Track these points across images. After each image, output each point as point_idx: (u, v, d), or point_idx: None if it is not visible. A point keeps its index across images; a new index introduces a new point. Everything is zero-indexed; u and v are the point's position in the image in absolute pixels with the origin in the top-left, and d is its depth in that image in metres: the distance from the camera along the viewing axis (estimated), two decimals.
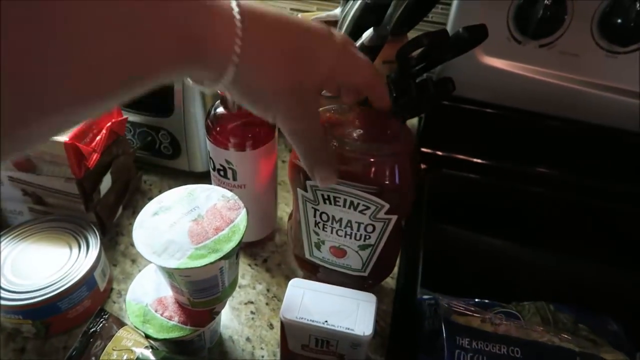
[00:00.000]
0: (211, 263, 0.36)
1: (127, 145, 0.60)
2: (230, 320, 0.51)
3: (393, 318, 0.52)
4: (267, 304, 0.53)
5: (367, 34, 0.41)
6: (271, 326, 0.51)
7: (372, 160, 0.38)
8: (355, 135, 0.40)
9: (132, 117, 0.61)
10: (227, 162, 0.48)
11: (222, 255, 0.37)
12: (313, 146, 0.33)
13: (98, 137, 0.53)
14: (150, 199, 0.64)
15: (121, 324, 0.42)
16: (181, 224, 0.39)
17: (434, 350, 0.45)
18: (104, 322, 0.41)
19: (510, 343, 0.39)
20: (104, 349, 0.39)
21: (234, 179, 0.50)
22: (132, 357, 0.38)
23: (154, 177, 0.68)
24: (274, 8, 0.28)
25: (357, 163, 0.39)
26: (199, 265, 0.36)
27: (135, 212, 0.63)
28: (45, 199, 0.54)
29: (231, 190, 0.50)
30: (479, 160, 0.68)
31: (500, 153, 0.67)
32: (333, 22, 0.55)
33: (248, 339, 0.49)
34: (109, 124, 0.55)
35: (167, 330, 0.40)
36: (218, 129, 0.48)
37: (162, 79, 0.25)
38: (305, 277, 0.54)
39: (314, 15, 0.55)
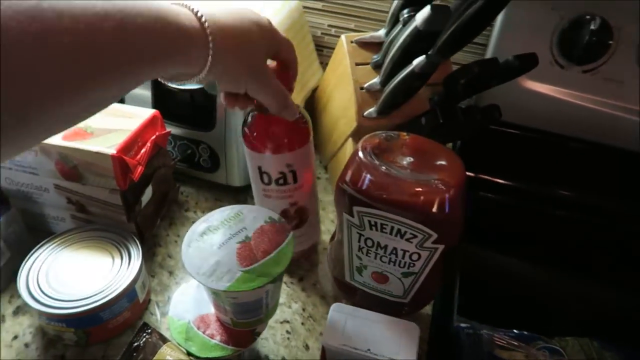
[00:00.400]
0: (259, 287, 0.36)
1: (168, 158, 0.61)
2: (265, 338, 0.51)
3: (429, 346, 0.51)
4: (302, 323, 0.53)
5: (418, 61, 0.41)
6: (307, 347, 0.50)
7: (421, 189, 0.38)
8: (404, 163, 0.40)
9: (174, 130, 0.62)
10: (288, 165, 0.48)
11: (270, 279, 0.37)
12: (278, 98, 0.41)
13: (143, 150, 0.54)
14: (187, 210, 0.66)
15: (164, 339, 0.42)
16: (229, 245, 0.39)
17: None
18: (147, 337, 0.42)
19: None
20: None
21: (294, 180, 0.50)
22: None
23: (190, 188, 0.69)
24: (218, 5, 0.35)
25: (406, 191, 0.38)
26: (247, 289, 0.36)
27: (172, 224, 0.63)
28: (88, 207, 0.55)
29: (292, 195, 0.51)
30: (518, 184, 0.67)
31: (539, 177, 0.66)
32: (377, 44, 0.54)
33: (284, 359, 0.49)
34: (153, 137, 0.55)
35: (209, 349, 0.41)
36: (270, 137, 0.47)
37: (147, 75, 0.31)
38: (342, 299, 0.54)
39: (358, 37, 0.55)
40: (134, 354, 0.40)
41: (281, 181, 0.49)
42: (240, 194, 0.68)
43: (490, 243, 0.69)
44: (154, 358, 0.40)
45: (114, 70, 0.27)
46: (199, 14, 0.32)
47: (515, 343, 0.41)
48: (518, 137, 0.66)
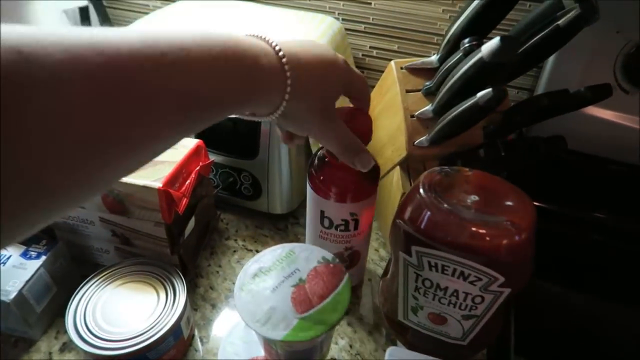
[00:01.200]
0: (317, 336, 0.34)
1: (210, 187, 0.60)
2: None
3: None
4: None
5: (484, 94, 0.39)
6: None
7: (490, 231, 0.36)
8: (468, 201, 0.38)
9: (216, 158, 0.61)
10: (352, 214, 0.47)
11: (327, 328, 0.35)
12: (346, 143, 0.38)
13: (187, 182, 0.53)
14: (227, 239, 0.64)
15: None
16: (283, 288, 0.37)
17: None
18: None
19: None
20: None
21: (355, 228, 0.48)
22: None
23: (230, 215, 0.68)
24: (298, 40, 0.33)
25: (472, 233, 0.36)
26: (304, 339, 0.34)
27: (213, 253, 0.62)
28: (132, 240, 0.55)
29: (349, 241, 0.50)
30: (575, 214, 0.64)
31: (599, 206, 0.63)
32: (429, 70, 0.52)
33: None
34: (197, 167, 0.55)
35: None
36: (337, 184, 0.46)
37: (228, 113, 0.29)
38: (392, 337, 0.52)
39: (408, 62, 0.53)
40: None
41: (342, 227, 0.48)
42: (281, 221, 0.67)
43: (544, 273, 0.65)
44: None
45: (182, 117, 0.25)
46: (279, 52, 0.30)
47: None
48: (577, 163, 0.63)
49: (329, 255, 0.39)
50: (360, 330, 0.54)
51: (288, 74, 0.30)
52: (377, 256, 0.63)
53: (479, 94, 0.39)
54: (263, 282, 0.38)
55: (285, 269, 0.39)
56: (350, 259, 0.52)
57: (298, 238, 0.65)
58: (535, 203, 0.65)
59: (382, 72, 0.57)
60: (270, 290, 0.37)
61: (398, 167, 0.55)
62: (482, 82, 0.40)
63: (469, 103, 0.40)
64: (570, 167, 0.61)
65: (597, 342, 0.60)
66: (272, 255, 0.40)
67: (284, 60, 0.30)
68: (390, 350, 0.41)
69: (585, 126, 0.58)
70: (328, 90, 0.35)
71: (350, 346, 0.52)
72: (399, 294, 0.44)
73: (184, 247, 0.56)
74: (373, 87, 0.61)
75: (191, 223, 0.56)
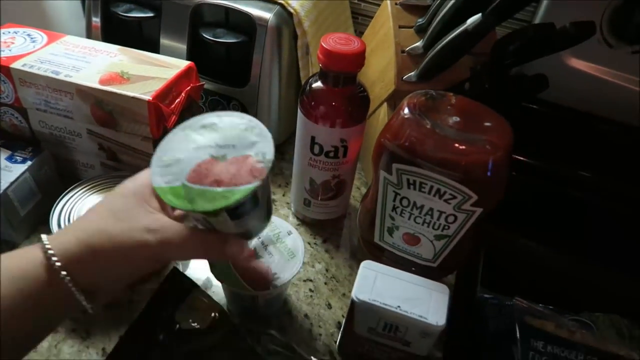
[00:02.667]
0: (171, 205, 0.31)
1: (199, 112, 0.60)
2: (288, 295, 0.51)
3: (451, 314, 0.51)
4: (325, 283, 0.53)
5: (473, 19, 0.40)
6: (329, 306, 0.50)
7: (466, 148, 0.37)
8: (450, 122, 0.39)
9: (206, 85, 0.61)
10: (342, 140, 0.48)
11: (187, 208, 0.31)
12: (201, 252, 0.35)
13: (177, 100, 0.53)
14: None
15: (193, 284, 0.42)
16: (203, 151, 0.33)
17: (500, 351, 0.44)
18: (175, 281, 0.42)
19: (588, 352, 0.38)
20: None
21: (344, 155, 0.50)
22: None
23: None
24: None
25: (451, 150, 0.38)
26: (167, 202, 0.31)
27: None
28: (118, 155, 0.55)
29: (337, 169, 0.51)
30: (551, 166, 0.66)
31: (575, 160, 0.65)
32: (422, 7, 0.53)
33: (306, 316, 0.49)
34: (187, 88, 0.55)
35: (221, 198, 0.31)
36: (329, 109, 0.47)
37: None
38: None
39: None
40: (162, 298, 0.41)
41: (332, 154, 0.49)
42: None
43: (515, 224, 0.68)
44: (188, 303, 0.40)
45: None
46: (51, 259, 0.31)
47: (547, 312, 0.41)
48: (556, 117, 0.65)
49: (270, 158, 0.33)
50: (338, 257, 0.56)
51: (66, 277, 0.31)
52: (358, 193, 0.64)
53: (468, 20, 0.40)
54: (200, 136, 0.34)
55: (226, 139, 0.34)
56: (337, 188, 0.54)
57: (283, 172, 0.66)
58: (518, 157, 0.68)
59: None
60: (194, 147, 0.33)
61: (385, 104, 0.56)
62: (471, 13, 0.41)
63: (458, 30, 0.42)
64: (550, 119, 0.64)
65: (567, 290, 0.63)
66: (233, 122, 0.35)
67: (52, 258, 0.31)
68: (364, 262, 0.43)
69: (568, 79, 0.60)
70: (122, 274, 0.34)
71: (327, 270, 0.54)
72: (376, 215, 0.46)
73: None
74: None
75: None
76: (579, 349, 0.38)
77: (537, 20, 0.60)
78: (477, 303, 0.50)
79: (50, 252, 0.31)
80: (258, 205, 0.35)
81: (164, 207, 0.35)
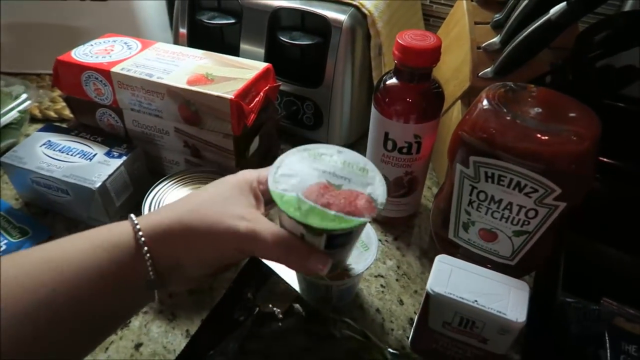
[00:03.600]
0: (282, 209, 0.32)
1: (275, 112, 0.63)
2: (360, 290, 0.51)
3: (531, 317, 0.49)
4: (397, 280, 0.53)
5: (558, 8, 0.39)
6: (401, 302, 0.50)
7: (549, 138, 0.36)
8: (532, 113, 0.38)
9: (282, 86, 0.64)
10: (416, 136, 0.48)
11: (292, 215, 0.31)
12: (284, 257, 0.34)
13: (256, 99, 0.56)
14: None
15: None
16: (319, 175, 0.34)
17: (585, 356, 0.42)
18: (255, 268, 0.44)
19: None
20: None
21: (418, 151, 0.50)
22: None
23: (290, 146, 0.71)
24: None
25: (533, 140, 0.37)
26: (282, 209, 0.32)
27: None
28: (202, 152, 0.59)
29: (410, 165, 0.51)
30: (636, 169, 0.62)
31: None
32: (499, 3, 0.53)
33: (378, 311, 0.50)
34: (265, 88, 0.58)
35: (332, 220, 0.32)
36: (404, 104, 0.48)
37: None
38: None
39: None
40: (243, 282, 0.43)
41: (405, 150, 0.50)
42: None
43: (599, 229, 0.64)
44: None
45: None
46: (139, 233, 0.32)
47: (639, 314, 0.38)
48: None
49: (383, 201, 0.34)
50: (409, 255, 0.56)
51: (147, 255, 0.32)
52: (430, 193, 0.64)
53: (552, 10, 0.39)
54: (319, 161, 0.35)
55: (343, 171, 0.35)
56: (409, 185, 0.54)
57: None
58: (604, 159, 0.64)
59: None
60: (312, 168, 0.34)
61: (459, 102, 0.56)
62: (554, 4, 0.40)
63: (541, 20, 0.41)
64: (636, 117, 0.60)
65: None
66: (353, 159, 0.36)
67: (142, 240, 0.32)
68: (439, 256, 0.43)
69: None
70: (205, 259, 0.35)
71: (398, 267, 0.54)
72: (451, 210, 0.46)
73: (248, 164, 0.60)
74: None
75: (255, 141, 0.60)
76: None
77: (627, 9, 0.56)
78: (559, 306, 0.48)
79: (138, 226, 0.32)
80: (351, 243, 0.36)
81: (259, 207, 0.36)
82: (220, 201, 0.34)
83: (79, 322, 0.30)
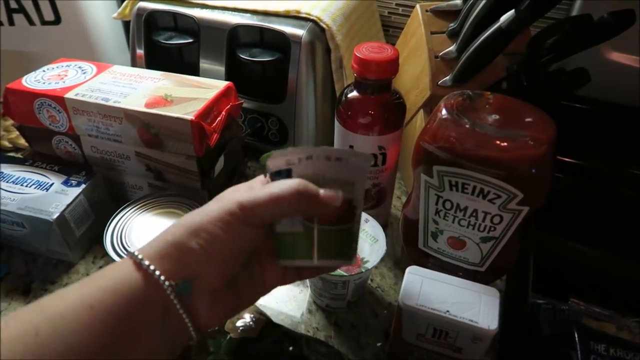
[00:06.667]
0: None
1: (239, 130, 0.63)
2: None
3: (504, 320, 0.49)
4: (371, 293, 0.52)
5: (507, 16, 0.40)
6: (376, 315, 0.50)
7: (508, 144, 0.37)
8: (490, 120, 0.39)
9: (245, 103, 0.63)
10: (380, 147, 0.48)
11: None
12: (295, 203, 0.31)
13: (218, 119, 0.55)
14: None
15: None
16: None
17: (557, 356, 0.42)
18: None
19: None
20: None
21: (383, 163, 0.50)
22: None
23: (257, 163, 0.70)
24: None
25: (492, 147, 0.37)
26: None
27: None
28: (165, 175, 0.57)
29: (377, 177, 0.51)
30: (596, 165, 0.64)
31: (621, 158, 0.63)
32: (454, 12, 0.53)
33: (353, 326, 0.49)
34: (227, 107, 0.57)
35: None
36: (366, 117, 0.47)
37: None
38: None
39: (433, 5, 0.54)
40: None
41: (371, 162, 0.50)
42: None
43: (564, 227, 0.65)
44: None
45: None
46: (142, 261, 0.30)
47: (606, 313, 0.39)
48: (599, 114, 0.63)
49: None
50: (381, 267, 0.55)
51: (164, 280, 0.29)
52: (399, 203, 0.64)
53: (502, 18, 0.40)
54: None
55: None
56: (377, 197, 0.54)
57: None
58: (564, 159, 0.66)
59: None
60: None
61: (422, 111, 0.56)
62: (505, 11, 0.41)
63: (492, 29, 0.41)
64: (594, 116, 0.62)
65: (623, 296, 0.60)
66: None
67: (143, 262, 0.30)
68: (409, 268, 0.43)
69: (611, 74, 0.58)
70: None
71: (371, 279, 0.54)
72: (419, 220, 0.46)
73: (213, 185, 0.59)
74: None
75: (220, 161, 0.59)
76: None
77: (574, 13, 0.58)
78: (530, 308, 0.49)
79: (136, 253, 0.30)
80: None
81: None
82: (203, 207, 0.32)
83: None
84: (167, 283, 0.29)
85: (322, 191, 0.30)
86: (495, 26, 0.41)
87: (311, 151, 0.30)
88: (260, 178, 0.34)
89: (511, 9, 0.41)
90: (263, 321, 0.40)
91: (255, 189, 0.31)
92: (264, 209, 0.30)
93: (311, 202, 0.30)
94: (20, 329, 0.26)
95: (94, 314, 0.27)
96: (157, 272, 0.29)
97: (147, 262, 0.29)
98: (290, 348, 0.39)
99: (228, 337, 0.40)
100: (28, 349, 0.26)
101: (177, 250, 0.30)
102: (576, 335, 0.38)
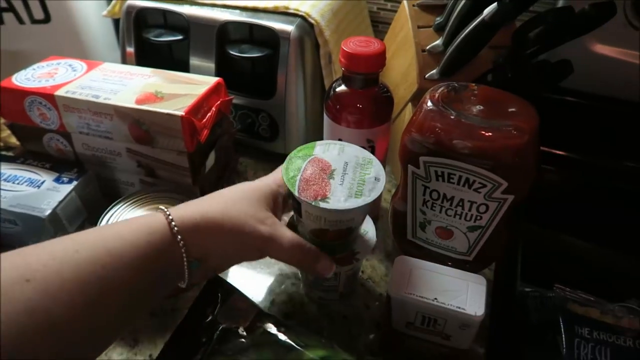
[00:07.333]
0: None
1: (230, 126, 0.63)
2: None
3: (492, 308, 0.50)
4: (362, 285, 0.53)
5: (490, 8, 0.40)
6: (367, 306, 0.51)
7: (492, 134, 0.38)
8: (474, 110, 0.40)
9: (236, 99, 0.64)
10: (368, 140, 0.49)
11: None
12: (297, 260, 0.40)
13: (208, 115, 0.56)
14: (246, 179, 0.67)
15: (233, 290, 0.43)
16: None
17: (544, 343, 0.43)
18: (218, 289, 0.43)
19: (638, 337, 0.36)
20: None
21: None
22: None
23: (248, 159, 0.71)
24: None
25: (476, 137, 0.38)
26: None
27: None
28: (156, 171, 0.58)
29: None
30: (583, 157, 0.65)
31: (606, 149, 0.64)
32: (440, 7, 0.54)
33: (345, 317, 0.50)
34: (217, 102, 0.57)
35: None
36: (354, 110, 0.48)
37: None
38: None
39: (419, 0, 0.55)
40: (204, 301, 0.42)
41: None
42: None
43: (552, 218, 0.66)
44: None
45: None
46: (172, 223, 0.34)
47: (591, 299, 0.40)
48: (585, 106, 0.64)
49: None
50: (372, 259, 0.56)
51: (181, 243, 0.34)
52: (389, 196, 0.65)
53: (485, 11, 0.41)
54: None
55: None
56: None
57: None
58: (553, 150, 0.67)
59: None
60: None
61: (410, 105, 0.57)
62: (489, 4, 0.42)
63: (476, 22, 0.42)
64: (580, 108, 0.62)
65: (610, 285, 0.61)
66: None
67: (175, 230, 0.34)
68: (398, 258, 0.43)
69: (595, 65, 0.59)
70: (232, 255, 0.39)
71: (362, 271, 0.54)
72: (408, 211, 0.47)
73: (205, 181, 0.59)
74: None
75: (211, 157, 0.59)
76: (627, 334, 0.37)
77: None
78: (518, 296, 0.49)
79: (170, 217, 0.34)
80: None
81: (275, 212, 0.40)
82: (242, 202, 0.38)
83: (118, 301, 0.32)
84: (186, 260, 0.35)
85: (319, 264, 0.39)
86: (479, 19, 0.42)
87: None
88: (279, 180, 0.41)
89: (494, 2, 0.42)
90: (254, 311, 0.41)
91: (276, 222, 0.38)
92: (282, 256, 0.39)
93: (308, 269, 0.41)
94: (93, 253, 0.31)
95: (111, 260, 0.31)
96: (183, 250, 0.34)
97: (179, 237, 0.34)
98: (282, 338, 0.40)
99: (220, 327, 0.40)
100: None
101: (208, 227, 0.35)
102: (561, 321, 0.39)
